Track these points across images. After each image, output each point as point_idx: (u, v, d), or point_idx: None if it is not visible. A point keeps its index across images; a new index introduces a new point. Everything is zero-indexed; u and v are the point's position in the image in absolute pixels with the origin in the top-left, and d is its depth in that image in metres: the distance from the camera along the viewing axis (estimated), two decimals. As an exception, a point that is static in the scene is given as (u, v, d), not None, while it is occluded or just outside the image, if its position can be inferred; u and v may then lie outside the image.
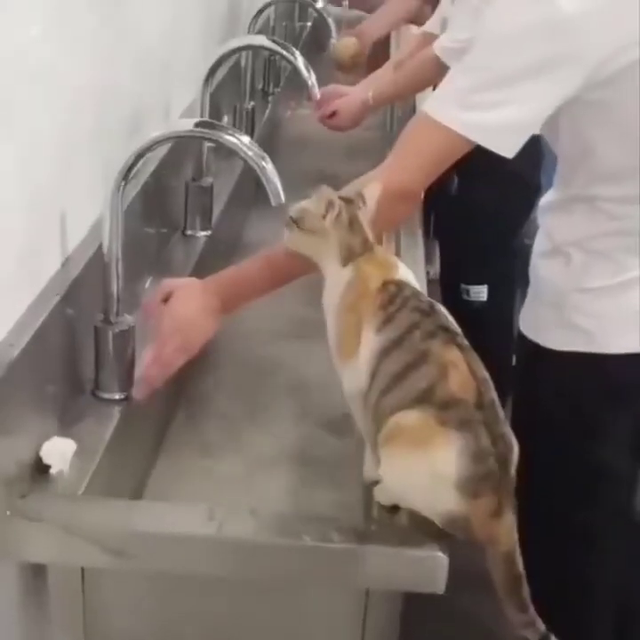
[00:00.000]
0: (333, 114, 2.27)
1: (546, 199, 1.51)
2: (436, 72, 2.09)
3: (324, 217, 1.16)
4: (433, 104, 1.31)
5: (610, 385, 1.44)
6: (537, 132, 1.34)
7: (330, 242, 1.16)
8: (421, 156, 1.31)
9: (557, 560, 1.50)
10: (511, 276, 2.01)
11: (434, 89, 2.64)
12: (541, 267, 1.49)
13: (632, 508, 1.66)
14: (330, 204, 1.16)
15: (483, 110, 1.26)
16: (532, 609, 1.05)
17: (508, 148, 1.27)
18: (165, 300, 1.28)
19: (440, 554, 1.02)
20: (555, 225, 1.47)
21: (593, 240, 1.41)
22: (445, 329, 1.09)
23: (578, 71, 1.24)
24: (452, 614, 2.18)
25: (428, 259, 2.28)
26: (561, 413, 1.44)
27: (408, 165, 1.31)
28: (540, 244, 1.51)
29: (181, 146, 1.69)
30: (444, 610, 2.11)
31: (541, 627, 1.06)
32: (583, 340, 1.43)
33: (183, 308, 1.27)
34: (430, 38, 2.08)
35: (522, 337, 1.51)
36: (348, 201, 1.17)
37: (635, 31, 1.24)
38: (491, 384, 1.06)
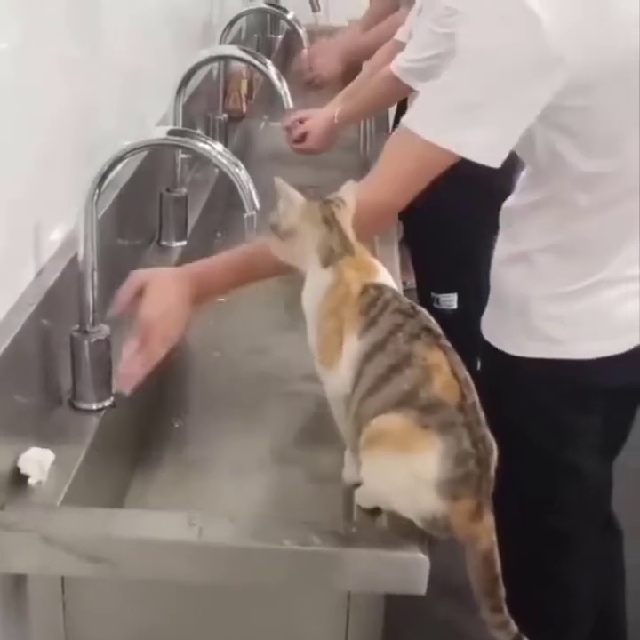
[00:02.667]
0: (303, 136, 2.28)
1: (509, 204, 1.50)
2: (394, 90, 2.11)
3: (293, 216, 1.16)
4: (416, 120, 1.30)
5: (577, 389, 1.45)
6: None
7: (306, 240, 1.16)
8: (405, 172, 1.31)
9: (532, 563, 1.50)
10: (481, 284, 2.02)
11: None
12: (504, 273, 1.48)
13: (604, 510, 1.67)
14: (288, 201, 1.16)
15: (468, 125, 1.26)
16: (506, 610, 1.06)
17: (494, 160, 1.27)
18: (138, 291, 1.28)
19: (421, 556, 1.02)
20: (520, 229, 1.47)
21: (560, 244, 1.41)
22: (428, 330, 1.09)
23: (559, 77, 1.24)
24: (432, 622, 2.18)
25: (406, 268, 2.29)
26: (527, 418, 1.44)
27: (391, 181, 1.31)
28: (501, 251, 1.50)
29: (155, 156, 1.69)
30: (425, 620, 2.12)
31: (514, 628, 1.06)
32: (549, 347, 1.43)
33: (159, 298, 1.26)
34: (401, 47, 2.10)
35: (485, 344, 1.51)
36: (324, 201, 1.17)
37: (610, 37, 1.26)
38: (473, 386, 1.06)
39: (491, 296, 1.52)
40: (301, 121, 2.27)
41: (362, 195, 1.24)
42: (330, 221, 1.16)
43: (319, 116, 2.25)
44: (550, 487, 1.49)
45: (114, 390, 1.26)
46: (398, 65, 2.00)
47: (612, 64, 1.26)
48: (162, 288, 1.27)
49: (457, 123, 1.26)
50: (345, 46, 2.74)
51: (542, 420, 1.46)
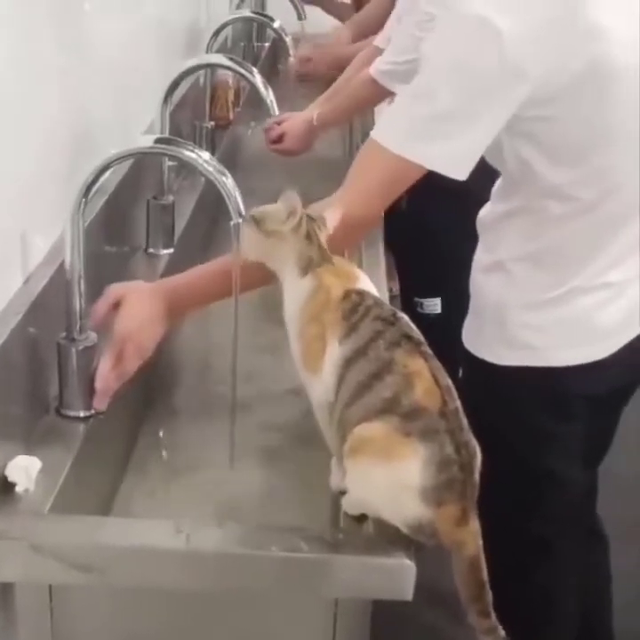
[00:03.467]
0: (281, 137, 2.28)
1: (484, 213, 1.51)
2: (373, 93, 2.11)
3: (283, 223, 1.17)
4: (382, 132, 1.31)
5: (557, 397, 1.45)
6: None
7: (287, 248, 1.17)
8: (374, 184, 1.31)
9: (515, 570, 1.50)
10: (465, 289, 2.04)
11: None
12: (482, 282, 1.49)
13: (587, 516, 1.68)
14: (292, 212, 1.17)
15: (433, 138, 1.26)
16: (494, 615, 1.06)
17: (460, 172, 1.28)
18: (114, 305, 1.29)
19: (407, 562, 1.02)
20: (495, 239, 1.47)
21: (534, 253, 1.41)
22: (409, 337, 1.10)
23: (521, 88, 1.25)
24: (420, 630, 2.19)
25: (391, 275, 2.30)
26: (508, 426, 1.44)
27: (362, 194, 1.31)
28: (479, 259, 1.51)
29: (142, 164, 1.69)
30: (412, 627, 2.12)
31: (502, 633, 1.07)
32: (527, 355, 1.43)
33: (133, 314, 1.28)
34: (379, 54, 2.10)
35: (466, 352, 1.51)
36: (310, 217, 1.18)
37: (572, 49, 1.26)
38: (454, 392, 1.07)
39: (471, 304, 1.53)
40: (279, 123, 2.27)
41: (334, 208, 1.25)
42: (311, 236, 1.17)
43: (297, 118, 2.26)
44: (532, 494, 1.50)
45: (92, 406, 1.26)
46: (377, 68, 2.01)
47: (575, 76, 1.26)
48: (137, 303, 1.28)
49: (423, 135, 1.27)
50: (335, 53, 2.75)
51: (523, 427, 1.46)
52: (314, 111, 2.24)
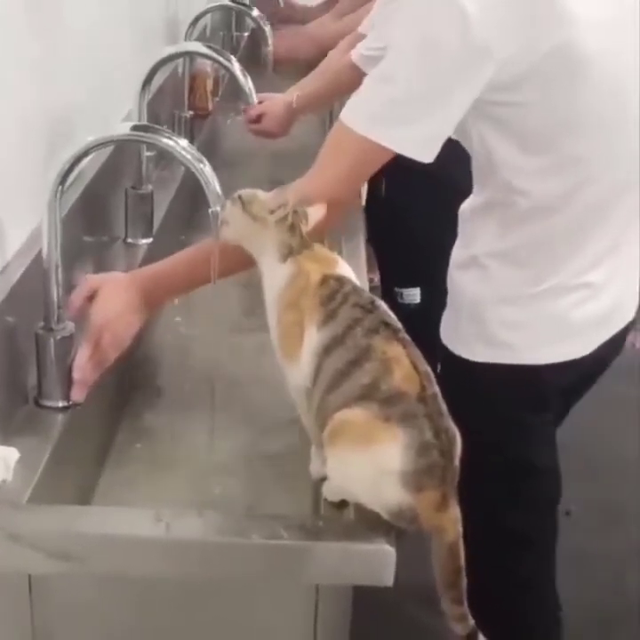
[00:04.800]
0: (259, 117, 2.26)
1: (464, 206, 1.50)
2: (354, 78, 2.09)
3: (271, 212, 1.17)
4: (349, 114, 1.31)
5: (531, 391, 1.45)
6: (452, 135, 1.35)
7: (268, 236, 1.17)
8: (341, 166, 1.31)
9: (496, 562, 1.50)
10: (444, 279, 2.05)
11: None
12: (459, 279, 1.48)
13: (557, 504, 1.68)
14: (282, 205, 1.16)
15: (398, 121, 1.27)
16: (466, 604, 1.06)
17: (425, 155, 1.28)
18: (90, 296, 1.28)
19: (388, 547, 1.02)
20: (471, 233, 1.47)
21: (510, 249, 1.40)
22: (387, 325, 1.10)
23: (486, 70, 1.24)
24: (400, 619, 2.20)
25: (371, 266, 2.30)
26: (484, 419, 1.43)
27: (329, 176, 1.31)
28: (457, 255, 1.50)
29: (120, 153, 1.69)
30: (392, 617, 2.13)
31: (471, 622, 1.07)
32: (505, 353, 1.43)
33: (109, 304, 1.28)
34: (363, 38, 2.10)
35: (443, 347, 1.51)
36: (295, 211, 1.18)
37: (539, 33, 1.25)
38: (433, 378, 1.07)
39: (448, 300, 1.52)
40: (259, 102, 2.25)
41: (304, 188, 1.25)
42: (294, 228, 1.17)
43: (277, 99, 2.23)
44: (511, 486, 1.50)
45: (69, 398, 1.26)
46: (359, 52, 2.00)
47: (543, 60, 1.25)
48: (112, 293, 1.28)
49: (388, 117, 1.27)
50: (314, 33, 2.75)
51: (499, 420, 1.46)
52: (294, 93, 2.23)
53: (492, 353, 1.44)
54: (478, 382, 1.46)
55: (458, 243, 1.51)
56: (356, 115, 1.30)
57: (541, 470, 1.51)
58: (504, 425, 1.47)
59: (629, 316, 1.52)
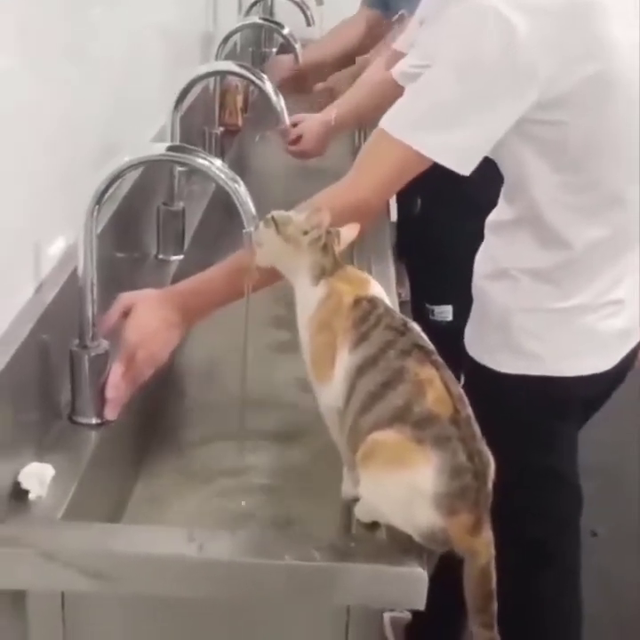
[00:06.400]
0: (297, 139, 2.28)
1: (491, 218, 1.51)
2: (395, 96, 2.10)
3: (305, 233, 1.17)
4: (390, 121, 1.32)
5: (556, 401, 1.46)
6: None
7: (302, 258, 1.17)
8: (378, 172, 1.33)
9: (517, 576, 1.49)
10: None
11: None
12: (487, 288, 1.48)
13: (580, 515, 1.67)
14: (317, 226, 1.17)
15: (439, 130, 1.28)
16: (496, 628, 1.05)
17: (463, 166, 1.29)
18: (125, 313, 1.28)
19: (420, 570, 1.02)
20: (499, 247, 1.47)
21: (542, 267, 1.41)
22: (420, 347, 1.09)
23: (532, 89, 1.26)
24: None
25: (400, 281, 2.30)
26: (509, 428, 1.42)
27: (365, 181, 1.33)
28: (483, 265, 1.50)
29: (153, 171, 1.70)
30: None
31: None
32: (532, 364, 1.43)
33: (144, 321, 1.28)
34: (400, 57, 2.10)
35: (468, 357, 1.51)
36: (328, 231, 1.18)
37: (585, 53, 1.27)
38: (466, 400, 1.07)
39: (474, 310, 1.53)
40: (295, 124, 2.27)
41: (339, 194, 1.26)
42: (327, 248, 1.17)
43: (314, 119, 2.25)
44: (536, 499, 1.50)
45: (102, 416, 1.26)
46: (400, 70, 2.01)
47: (582, 82, 1.27)
48: (147, 310, 1.28)
49: (430, 126, 1.28)
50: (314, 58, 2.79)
51: (523, 429, 1.47)
52: (332, 112, 2.24)
53: (518, 363, 1.44)
54: (503, 392, 1.46)
55: (484, 253, 1.51)
56: (397, 122, 1.31)
57: (564, 480, 1.52)
58: (528, 434, 1.47)
59: None
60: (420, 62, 1.95)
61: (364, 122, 2.42)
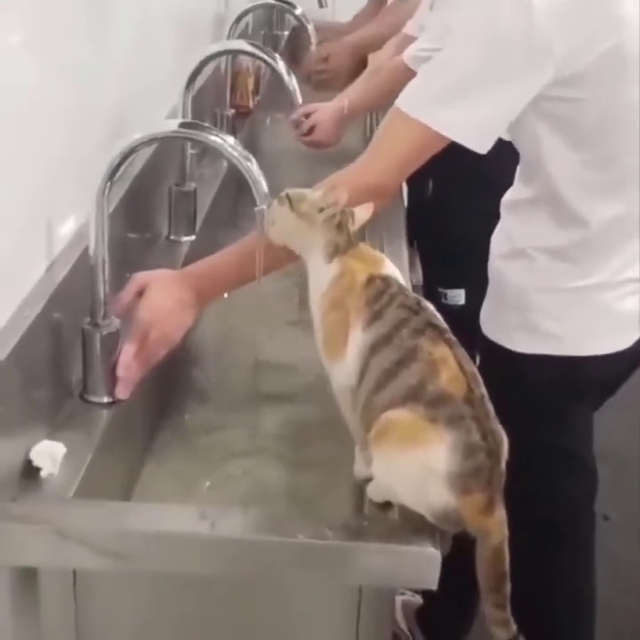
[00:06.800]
0: (311, 129, 2.26)
1: (507, 197, 1.51)
2: (405, 80, 2.09)
3: (321, 210, 1.16)
4: (406, 99, 1.31)
5: (574, 383, 1.46)
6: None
7: (316, 235, 1.16)
8: (395, 152, 1.32)
9: (530, 557, 1.49)
10: (488, 280, 2.06)
11: None
12: (503, 268, 1.48)
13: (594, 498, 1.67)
14: (333, 203, 1.16)
15: (456, 107, 1.27)
16: (509, 608, 1.05)
17: (479, 145, 1.28)
18: (139, 293, 1.28)
19: (433, 550, 1.01)
20: (516, 227, 1.47)
21: (559, 246, 1.41)
22: (433, 326, 1.09)
23: (549, 66, 1.26)
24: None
25: (412, 266, 2.29)
26: (524, 408, 1.43)
27: (381, 161, 1.32)
28: (500, 245, 1.50)
29: (164, 151, 1.69)
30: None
31: (514, 628, 1.06)
32: (549, 343, 1.43)
33: (158, 301, 1.27)
34: (410, 41, 2.09)
35: (483, 337, 1.50)
36: (343, 210, 1.17)
37: (600, 23, 1.26)
38: (480, 379, 1.06)
39: (489, 290, 1.52)
40: (307, 115, 2.25)
41: (355, 175, 1.25)
42: (342, 227, 1.16)
43: (326, 109, 2.23)
44: (550, 479, 1.50)
45: (114, 395, 1.26)
46: (411, 54, 2.00)
47: (599, 58, 1.27)
48: (161, 290, 1.28)
49: (447, 104, 1.27)
50: (353, 42, 2.73)
51: (538, 408, 1.47)
52: (344, 99, 2.23)
53: (535, 343, 1.44)
54: (519, 372, 1.46)
55: (500, 233, 1.51)
56: (413, 101, 1.30)
57: (578, 461, 1.51)
58: (544, 414, 1.47)
59: None
60: (431, 46, 1.95)
61: (377, 107, 2.41)
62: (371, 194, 1.26)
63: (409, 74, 1.99)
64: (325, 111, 2.23)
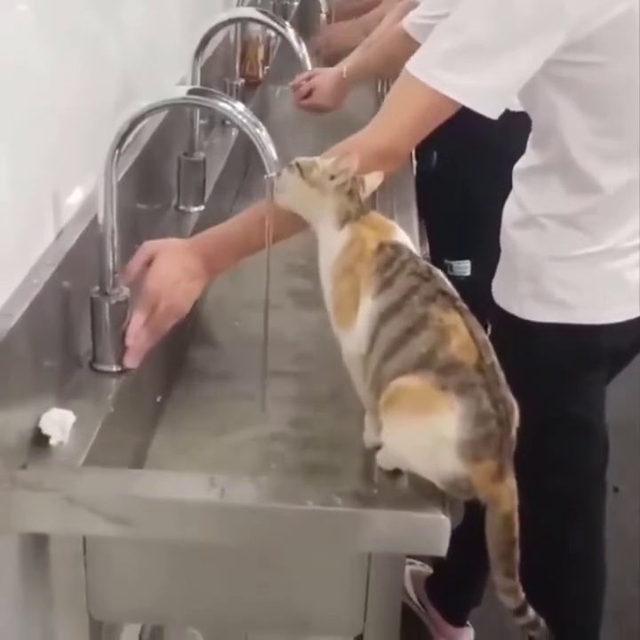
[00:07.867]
0: (310, 92, 2.24)
1: (519, 166, 1.50)
2: (405, 48, 2.06)
3: (332, 177, 1.15)
4: (416, 63, 1.30)
5: (587, 351, 1.46)
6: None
7: (327, 202, 1.16)
8: (405, 116, 1.30)
9: (541, 529, 1.48)
10: (494, 251, 2.05)
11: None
12: (515, 237, 1.48)
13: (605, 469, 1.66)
14: (344, 171, 1.15)
15: (467, 72, 1.26)
16: (517, 576, 1.05)
17: (491, 110, 1.27)
18: (148, 262, 1.27)
19: (442, 516, 1.02)
20: (528, 195, 1.46)
21: (571, 213, 1.41)
22: (444, 293, 1.08)
23: (561, 29, 1.25)
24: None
25: (421, 239, 2.28)
26: (537, 378, 1.44)
27: (392, 127, 1.31)
28: (511, 213, 1.50)
29: (173, 120, 1.68)
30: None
31: (522, 595, 1.06)
32: (562, 312, 1.43)
33: (167, 270, 1.26)
34: (414, 7, 2.07)
35: (495, 306, 1.50)
36: (354, 178, 1.16)
37: None
38: (491, 347, 1.06)
39: (502, 258, 1.52)
40: (308, 79, 2.24)
41: (365, 139, 1.24)
42: (353, 194, 1.15)
43: (326, 73, 2.21)
44: (562, 448, 1.50)
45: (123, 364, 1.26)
46: (411, 21, 1.98)
47: (613, 20, 1.25)
48: (169, 259, 1.27)
49: (458, 69, 1.26)
50: (366, 21, 2.71)
51: (551, 377, 1.47)
52: (344, 65, 2.21)
53: (548, 311, 1.44)
54: (532, 341, 1.46)
55: (511, 202, 1.51)
56: (423, 65, 1.29)
57: (590, 430, 1.51)
58: (556, 383, 1.47)
59: None
60: (431, 12, 1.93)
61: (376, 74, 2.39)
62: (381, 158, 1.26)
63: (408, 42, 1.98)
64: (325, 75, 2.21)
